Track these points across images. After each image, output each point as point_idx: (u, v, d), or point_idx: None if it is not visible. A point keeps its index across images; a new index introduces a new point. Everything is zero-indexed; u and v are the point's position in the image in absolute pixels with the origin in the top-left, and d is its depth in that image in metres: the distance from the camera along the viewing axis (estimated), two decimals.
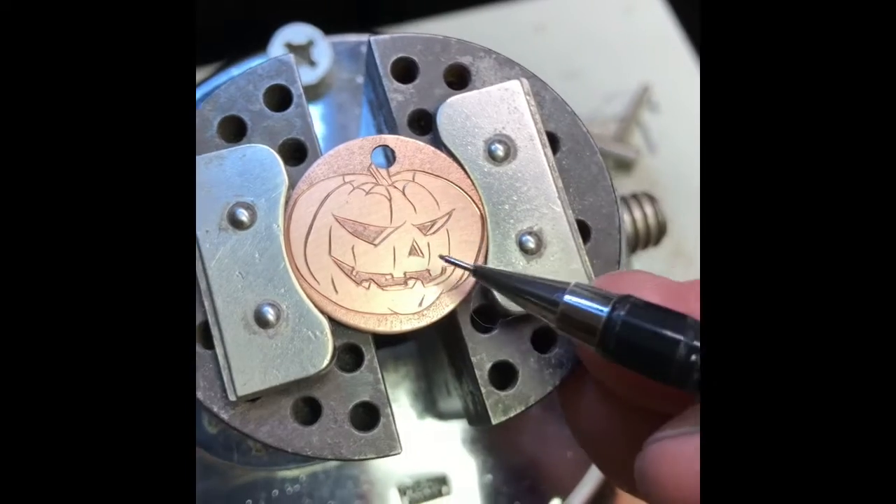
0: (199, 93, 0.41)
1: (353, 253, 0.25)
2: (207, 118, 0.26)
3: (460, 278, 0.25)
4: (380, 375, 0.25)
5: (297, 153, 0.27)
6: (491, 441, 0.38)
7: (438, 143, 0.26)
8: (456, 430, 0.38)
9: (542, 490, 0.38)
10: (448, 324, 0.26)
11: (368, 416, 0.25)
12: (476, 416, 0.27)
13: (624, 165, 0.56)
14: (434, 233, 0.26)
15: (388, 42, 0.27)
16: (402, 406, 0.37)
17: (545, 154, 0.26)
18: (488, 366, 0.25)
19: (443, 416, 0.37)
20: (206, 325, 0.25)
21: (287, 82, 0.27)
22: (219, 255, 0.25)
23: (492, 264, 0.25)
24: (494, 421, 0.25)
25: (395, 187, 0.26)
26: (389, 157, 0.27)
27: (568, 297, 0.22)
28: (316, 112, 0.41)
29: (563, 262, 0.26)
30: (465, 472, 0.38)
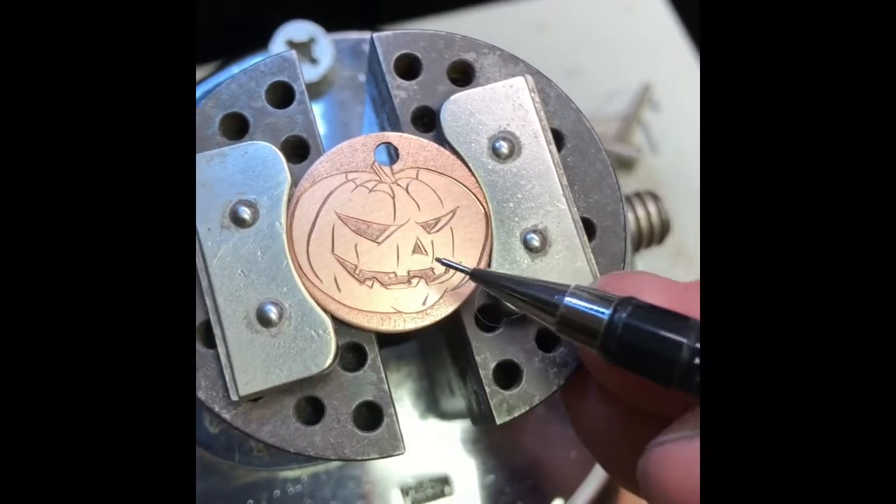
0: (199, 91, 0.41)
1: (357, 251, 0.25)
2: (209, 115, 0.26)
3: (464, 277, 0.25)
4: (383, 375, 0.25)
5: (299, 150, 0.26)
6: (493, 441, 0.38)
7: (442, 141, 0.26)
8: (458, 430, 0.38)
9: (545, 490, 0.38)
10: (452, 323, 0.26)
11: (372, 415, 0.25)
12: (480, 415, 0.27)
13: (625, 164, 0.56)
14: (438, 231, 0.25)
15: (392, 38, 0.27)
16: (404, 406, 0.37)
17: (550, 151, 0.26)
18: (492, 365, 0.25)
19: (445, 415, 0.37)
20: (207, 323, 0.24)
21: (289, 79, 0.26)
22: (221, 254, 0.25)
23: (496, 262, 0.25)
24: (499, 421, 0.25)
25: (399, 185, 0.26)
26: (393, 154, 0.26)
27: (568, 300, 0.22)
28: (317, 110, 0.40)
29: (567, 260, 0.25)
30: (467, 473, 0.38)
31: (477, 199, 0.26)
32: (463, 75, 0.27)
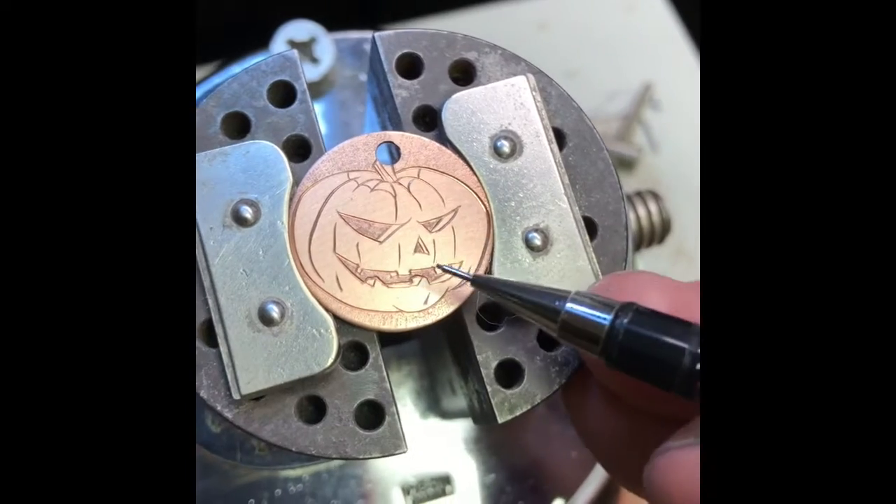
0: (200, 91, 0.41)
1: (358, 250, 0.25)
2: (211, 114, 0.26)
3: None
4: (385, 373, 0.25)
5: (301, 150, 0.26)
6: (494, 440, 0.38)
7: (444, 140, 0.26)
8: (459, 429, 0.38)
9: (546, 490, 0.38)
10: (453, 322, 0.26)
11: (373, 414, 0.25)
12: (482, 414, 0.27)
13: (626, 164, 0.56)
14: (439, 230, 0.25)
15: (393, 38, 0.27)
16: (405, 405, 0.37)
17: (551, 150, 0.26)
18: (494, 364, 0.25)
19: (446, 414, 0.37)
20: (209, 322, 0.24)
21: (291, 78, 0.26)
22: (222, 253, 0.25)
23: (497, 261, 0.25)
24: (501, 420, 0.25)
25: (400, 184, 0.26)
26: (394, 153, 0.26)
27: (569, 306, 0.22)
28: (318, 110, 0.40)
29: (569, 260, 0.25)
30: (468, 472, 0.38)
31: (478, 198, 0.26)
32: (464, 74, 0.27)
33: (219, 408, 0.24)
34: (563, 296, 0.22)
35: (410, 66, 0.27)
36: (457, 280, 0.25)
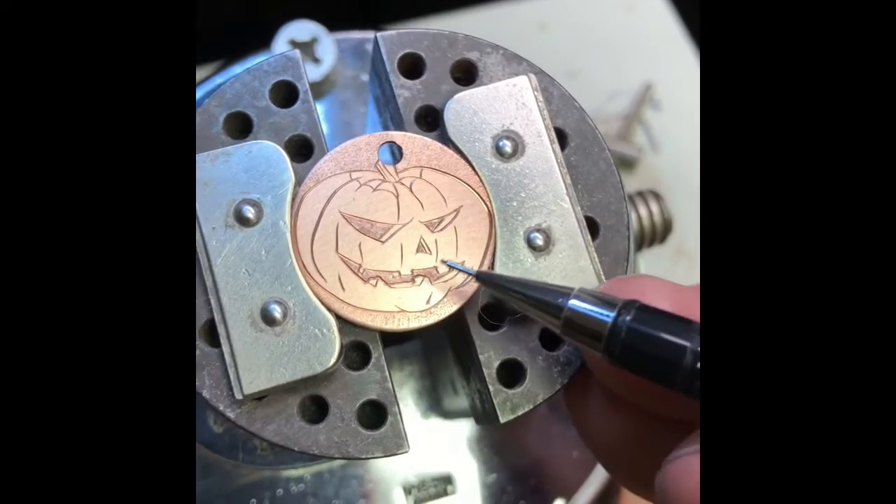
0: (201, 91, 0.41)
1: (361, 250, 0.25)
2: (213, 114, 0.26)
3: (468, 276, 0.25)
4: (387, 373, 0.25)
5: (303, 150, 0.26)
6: (496, 440, 0.38)
7: (446, 140, 0.26)
8: (460, 429, 0.38)
9: (547, 490, 0.38)
10: (455, 321, 0.26)
11: (376, 414, 0.25)
12: (484, 414, 0.27)
13: (626, 164, 0.56)
14: (442, 230, 0.25)
15: (395, 38, 0.27)
16: (407, 405, 0.37)
17: (553, 150, 0.26)
18: (496, 364, 0.25)
19: (448, 414, 0.37)
20: (212, 322, 0.24)
21: (293, 78, 0.26)
22: (225, 253, 0.25)
23: (500, 261, 0.25)
24: (503, 419, 0.25)
25: (403, 184, 0.26)
26: (396, 153, 0.26)
27: (572, 303, 0.22)
28: (320, 110, 0.40)
29: (571, 260, 0.25)
30: (469, 472, 0.38)
31: (480, 198, 0.26)
32: (466, 74, 0.27)
33: (221, 408, 0.24)
34: (566, 292, 0.22)
35: (412, 67, 0.27)
36: (459, 280, 0.25)
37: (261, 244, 0.25)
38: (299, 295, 0.24)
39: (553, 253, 0.25)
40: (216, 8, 0.51)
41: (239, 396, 0.24)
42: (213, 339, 0.24)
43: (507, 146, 0.26)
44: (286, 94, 0.27)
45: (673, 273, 0.52)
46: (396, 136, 0.26)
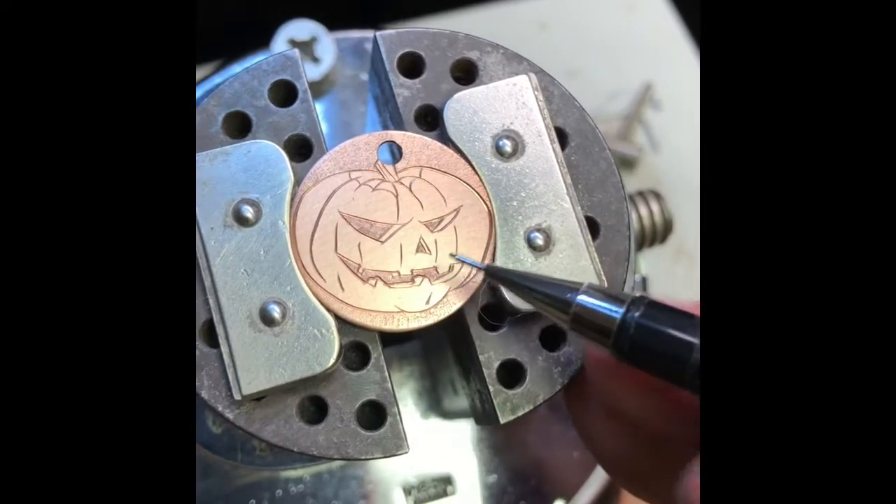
0: (200, 90, 0.40)
1: (360, 250, 0.25)
2: (212, 114, 0.26)
3: (468, 276, 0.25)
4: (387, 374, 0.25)
5: (302, 149, 0.26)
6: (496, 441, 0.38)
7: (445, 139, 0.26)
8: (460, 430, 0.38)
9: (548, 490, 0.38)
10: (455, 322, 0.26)
11: (375, 415, 0.25)
12: (484, 415, 0.27)
13: (627, 164, 0.56)
14: (441, 230, 0.25)
15: (395, 37, 0.27)
16: (406, 405, 0.37)
17: (553, 150, 0.26)
18: (496, 364, 0.25)
19: (448, 414, 0.37)
20: (211, 323, 0.24)
21: (292, 77, 0.26)
22: (224, 253, 0.24)
23: (500, 261, 0.25)
24: (503, 420, 0.25)
25: (402, 184, 0.26)
26: (396, 153, 0.26)
27: (581, 298, 0.22)
28: (319, 109, 0.40)
29: (571, 259, 0.25)
30: (470, 472, 0.38)
31: (480, 197, 0.26)
32: (466, 74, 0.27)
33: (220, 408, 0.24)
34: (575, 287, 0.22)
35: (412, 66, 0.27)
36: (459, 279, 0.25)
37: (260, 244, 0.25)
38: (298, 295, 0.24)
39: (553, 253, 0.25)
40: (216, 8, 0.51)
41: (238, 397, 0.24)
42: (212, 340, 0.24)
43: (507, 146, 0.26)
44: (285, 94, 0.27)
45: (673, 273, 0.52)
46: (396, 135, 0.26)
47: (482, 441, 0.38)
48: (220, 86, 0.26)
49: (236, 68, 0.41)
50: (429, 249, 0.25)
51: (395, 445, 0.24)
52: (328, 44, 0.39)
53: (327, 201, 0.25)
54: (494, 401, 0.25)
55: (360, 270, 0.25)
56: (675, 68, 0.59)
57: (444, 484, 0.37)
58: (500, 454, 0.38)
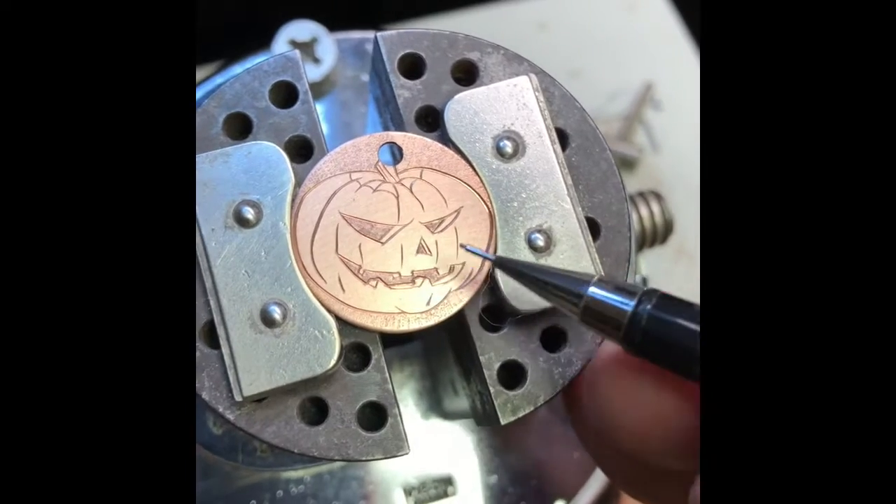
0: (201, 91, 0.40)
1: (361, 251, 0.25)
2: (213, 115, 0.26)
3: (469, 276, 0.25)
4: (387, 375, 0.25)
5: (303, 150, 0.26)
6: (496, 441, 0.38)
7: (446, 140, 0.26)
8: (461, 430, 0.38)
9: (548, 491, 0.38)
10: (456, 323, 0.26)
11: (376, 416, 0.25)
12: (484, 415, 0.27)
13: (627, 164, 0.56)
14: (442, 231, 0.25)
15: (395, 38, 0.27)
16: (407, 406, 0.37)
17: (554, 151, 0.26)
18: (497, 365, 0.25)
19: (448, 415, 0.37)
20: (211, 324, 0.24)
21: (293, 79, 0.26)
22: (224, 254, 0.24)
23: None
24: (503, 421, 0.25)
25: (403, 185, 0.26)
26: (396, 154, 0.26)
27: (592, 290, 0.22)
28: (320, 110, 0.40)
29: (572, 260, 0.25)
30: (470, 473, 0.38)
31: (481, 198, 0.26)
32: (467, 75, 0.27)
33: (221, 409, 0.24)
34: (586, 280, 0.22)
35: (412, 67, 0.27)
36: (460, 280, 0.25)
37: (260, 245, 0.25)
38: (299, 296, 0.24)
39: (554, 254, 0.25)
40: (216, 8, 0.51)
41: (238, 398, 0.24)
42: (213, 341, 0.24)
43: (508, 146, 0.26)
44: (286, 95, 0.27)
45: (673, 273, 0.52)
46: (397, 136, 0.26)
47: (483, 442, 0.38)
48: (220, 87, 0.26)
49: (237, 69, 0.41)
50: (429, 250, 0.25)
51: (396, 446, 0.24)
52: (329, 44, 0.39)
53: (328, 202, 0.25)
54: (495, 402, 0.25)
55: (361, 271, 0.25)
56: (676, 68, 0.59)
57: (444, 484, 0.37)
58: (501, 455, 0.38)
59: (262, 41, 0.40)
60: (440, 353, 0.35)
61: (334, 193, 0.25)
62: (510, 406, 0.25)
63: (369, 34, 0.42)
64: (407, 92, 0.27)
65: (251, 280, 0.24)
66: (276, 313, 0.24)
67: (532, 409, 0.25)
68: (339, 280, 0.25)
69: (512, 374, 0.25)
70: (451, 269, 0.25)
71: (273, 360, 0.24)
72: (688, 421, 0.21)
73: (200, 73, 0.43)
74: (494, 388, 0.25)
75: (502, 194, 0.26)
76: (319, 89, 0.39)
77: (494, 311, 0.25)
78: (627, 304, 0.21)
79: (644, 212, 0.40)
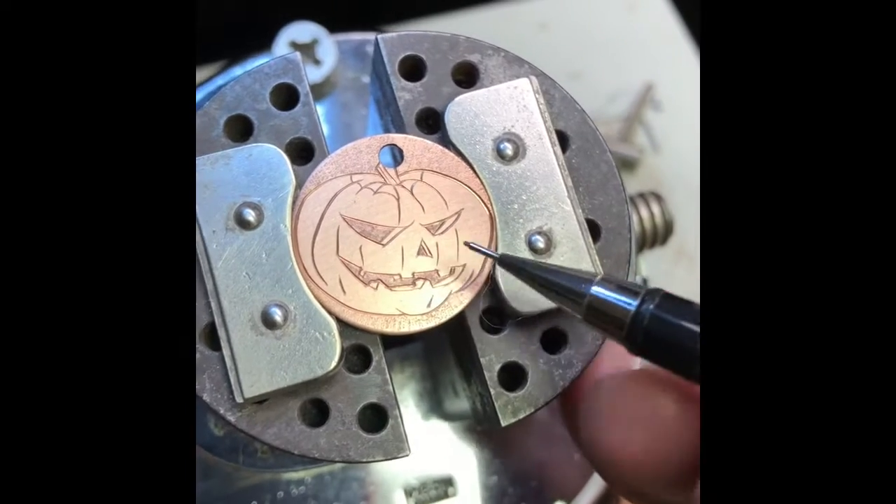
0: (201, 93, 0.40)
1: (361, 253, 0.25)
2: (214, 117, 0.26)
3: (469, 278, 0.25)
4: (388, 376, 0.25)
5: (304, 152, 0.26)
6: (497, 442, 0.38)
7: (447, 142, 0.26)
8: (461, 431, 0.38)
9: (548, 492, 0.38)
10: (457, 324, 0.26)
11: (376, 417, 0.25)
12: (484, 417, 0.27)
13: (627, 165, 0.56)
14: (442, 233, 0.25)
15: (396, 40, 0.27)
16: (408, 407, 0.37)
17: (554, 153, 0.26)
18: (497, 367, 0.25)
19: (449, 416, 0.37)
20: (212, 326, 0.24)
21: (294, 81, 0.26)
22: (225, 256, 0.24)
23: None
24: (504, 423, 0.25)
25: (403, 187, 0.26)
26: (397, 156, 0.26)
27: (595, 289, 0.22)
28: (320, 112, 0.40)
29: (572, 262, 0.25)
30: (470, 474, 0.38)
31: (482, 200, 0.26)
32: (467, 77, 0.27)
33: (222, 411, 0.24)
34: (589, 278, 0.22)
35: (413, 69, 0.27)
36: (461, 282, 0.25)
37: (261, 247, 0.25)
38: (300, 298, 0.24)
39: (554, 255, 0.25)
40: (216, 8, 0.51)
41: (239, 400, 0.24)
42: (214, 343, 0.24)
43: (509, 149, 0.26)
44: (287, 97, 0.27)
45: (674, 273, 0.52)
46: (397, 138, 0.26)
47: (483, 443, 0.38)
48: (221, 89, 0.26)
49: (238, 71, 0.41)
50: (430, 252, 0.25)
51: (397, 448, 0.24)
52: (329, 46, 0.39)
53: (329, 204, 0.25)
54: (495, 403, 0.25)
55: (362, 273, 0.25)
56: (676, 69, 0.59)
57: (445, 485, 0.37)
58: (501, 456, 0.38)
59: (263, 42, 0.40)
60: (441, 355, 0.35)
61: (335, 195, 0.25)
62: (511, 407, 0.25)
63: (370, 35, 0.42)
64: (407, 94, 0.27)
65: (252, 282, 0.24)
66: (277, 315, 0.24)
67: (532, 410, 0.25)
68: (340, 282, 0.25)
69: (512, 376, 0.25)
70: (452, 271, 0.25)
71: (274, 361, 0.24)
72: (685, 456, 0.21)
73: (201, 75, 0.43)
74: (495, 389, 0.25)
75: (503, 196, 0.26)
76: (320, 91, 0.39)
77: (495, 312, 0.25)
78: (630, 304, 0.21)
79: (644, 213, 0.40)
